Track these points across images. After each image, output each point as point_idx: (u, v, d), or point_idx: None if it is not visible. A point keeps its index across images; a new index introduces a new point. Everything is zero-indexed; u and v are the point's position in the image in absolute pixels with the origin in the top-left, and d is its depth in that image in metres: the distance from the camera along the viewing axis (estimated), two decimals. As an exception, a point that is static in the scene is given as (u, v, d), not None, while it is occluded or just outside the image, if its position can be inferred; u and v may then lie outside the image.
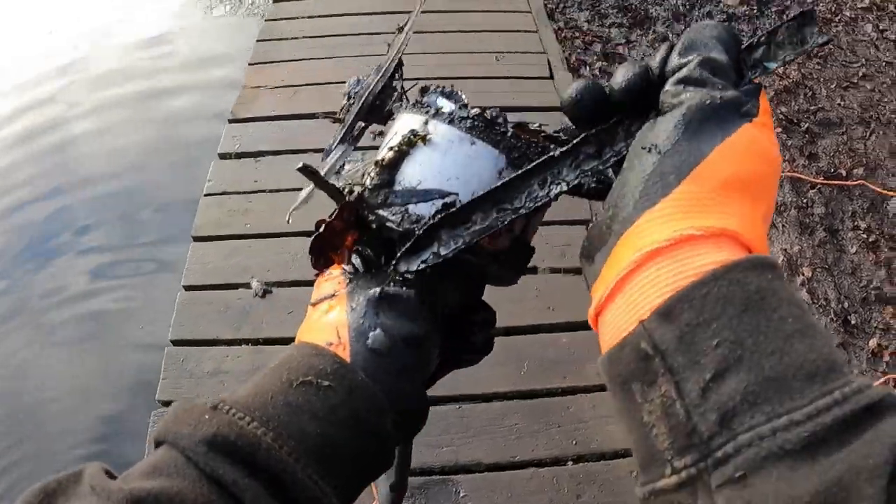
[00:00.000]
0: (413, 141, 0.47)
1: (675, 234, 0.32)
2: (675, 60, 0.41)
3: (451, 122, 0.47)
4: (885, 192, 3.02)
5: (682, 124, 0.37)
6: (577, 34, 3.66)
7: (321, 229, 0.46)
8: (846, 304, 2.66)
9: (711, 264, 0.31)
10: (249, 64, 3.32)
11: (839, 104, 3.38)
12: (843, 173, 3.06)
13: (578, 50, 3.57)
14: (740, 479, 0.27)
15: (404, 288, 0.44)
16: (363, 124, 0.54)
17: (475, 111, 0.48)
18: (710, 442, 0.28)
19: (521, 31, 3.55)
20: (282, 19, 3.62)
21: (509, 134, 0.47)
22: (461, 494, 1.84)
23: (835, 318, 2.61)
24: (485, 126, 0.47)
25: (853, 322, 2.63)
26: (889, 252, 2.84)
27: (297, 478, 0.36)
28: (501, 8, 3.70)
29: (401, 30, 0.57)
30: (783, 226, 2.86)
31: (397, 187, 0.46)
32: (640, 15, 3.78)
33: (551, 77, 3.27)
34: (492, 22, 3.60)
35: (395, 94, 0.55)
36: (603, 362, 0.35)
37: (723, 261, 0.31)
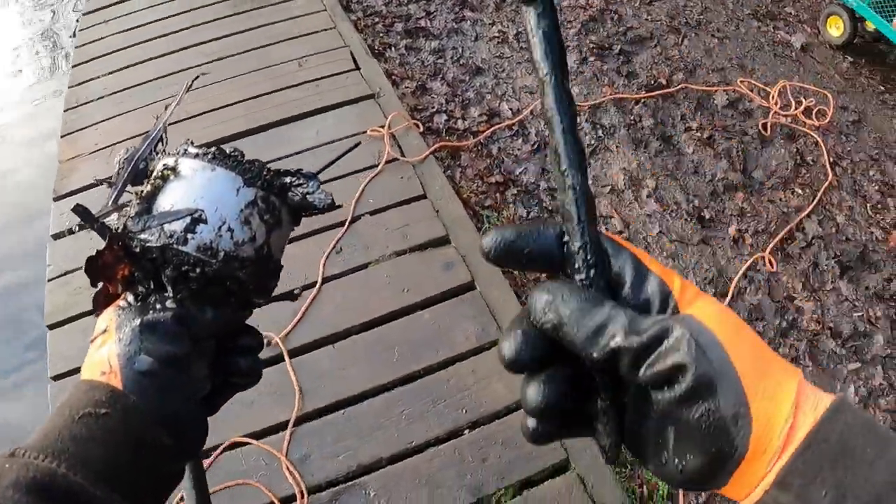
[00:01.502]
0: (166, 175, 0.57)
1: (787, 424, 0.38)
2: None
3: (196, 156, 0.58)
4: (707, 88, 3.06)
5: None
6: (376, 19, 3.62)
7: (93, 262, 0.53)
8: (696, 202, 2.64)
9: (805, 431, 0.37)
10: (61, 136, 3.15)
11: (646, 19, 3.44)
12: (664, 82, 3.09)
13: (381, 34, 3.52)
14: None
15: (162, 314, 0.53)
16: (133, 188, 0.62)
17: (214, 148, 0.59)
18: None
19: (320, 31, 3.52)
20: (83, 83, 3.46)
21: (243, 161, 0.59)
22: (372, 494, 1.84)
23: (689, 218, 2.59)
24: (223, 157, 0.58)
25: (708, 216, 2.61)
26: (725, 142, 2.86)
27: (92, 495, 0.44)
28: (295, 14, 3.65)
29: (167, 107, 0.67)
30: (616, 147, 2.84)
31: (154, 213, 0.56)
32: (435, -15, 3.79)
33: (357, 68, 3.23)
34: (289, 30, 3.54)
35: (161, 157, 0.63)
36: None
37: (811, 424, 0.37)
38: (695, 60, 3.23)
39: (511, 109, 3.08)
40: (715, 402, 0.38)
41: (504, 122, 3.00)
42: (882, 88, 3.42)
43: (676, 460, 0.40)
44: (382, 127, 2.79)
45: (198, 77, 0.88)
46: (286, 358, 2.08)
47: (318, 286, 2.27)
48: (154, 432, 0.49)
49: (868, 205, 2.81)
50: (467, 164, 2.86)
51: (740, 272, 2.45)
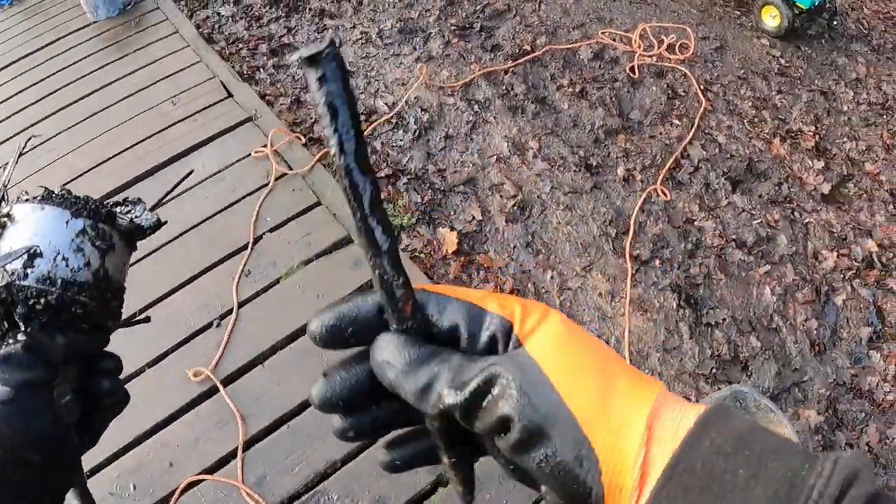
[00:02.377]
0: (2, 223, 0.62)
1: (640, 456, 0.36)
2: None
3: (26, 201, 0.63)
4: (571, 46, 3.15)
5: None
6: (240, 45, 3.61)
7: None
8: (581, 153, 2.70)
9: (664, 463, 0.35)
10: None
11: (501, -6, 3.53)
12: (529, 48, 3.16)
13: (247, 59, 3.52)
14: None
15: (13, 346, 0.57)
16: None
17: (43, 190, 0.64)
18: None
19: (187, 67, 3.51)
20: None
21: (70, 196, 0.64)
22: (335, 498, 1.86)
23: (577, 169, 2.64)
24: (50, 197, 0.63)
25: (595, 163, 2.67)
26: (598, 92, 2.94)
27: None
28: (159, 56, 3.63)
29: (4, 167, 0.73)
30: (495, 118, 2.88)
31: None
32: (291, 0, 3.80)
33: (230, 95, 3.24)
34: (157, 73, 3.53)
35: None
36: None
37: (671, 453, 0.35)
38: (554, 22, 3.32)
39: (387, 104, 3.10)
40: (551, 447, 0.37)
41: (382, 117, 3.02)
42: (738, 13, 3.60)
43: (546, 496, 0.40)
44: (265, 146, 2.79)
45: (30, 139, 0.96)
46: (220, 388, 2.07)
47: (235, 312, 2.27)
48: (20, 453, 0.54)
49: (745, 120, 2.93)
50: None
51: (637, 208, 2.51)
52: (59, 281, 0.61)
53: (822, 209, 2.70)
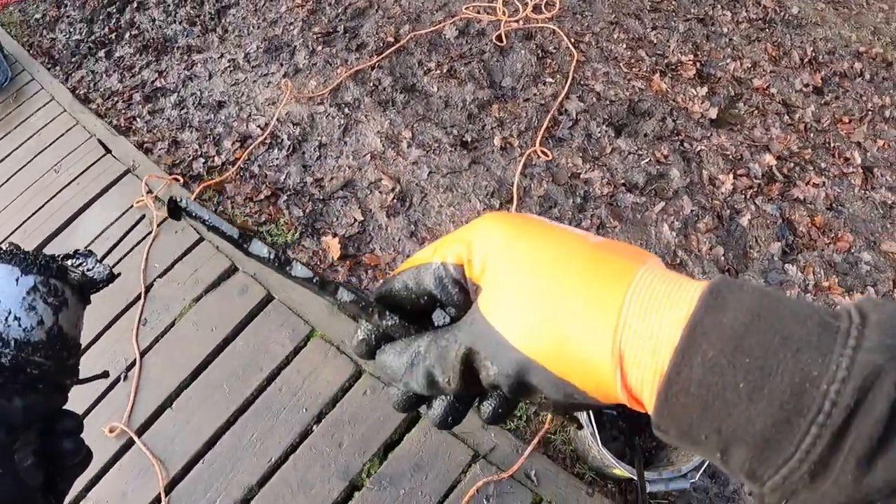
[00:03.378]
0: None
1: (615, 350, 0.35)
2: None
3: None
4: (434, 28, 3.11)
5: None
6: (115, 98, 3.55)
7: None
8: (455, 132, 2.64)
9: (651, 386, 0.34)
10: None
11: (362, -7, 3.49)
12: (393, 39, 3.11)
13: (123, 111, 3.45)
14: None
15: None
16: None
17: None
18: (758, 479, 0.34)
19: (65, 133, 3.48)
20: None
21: (18, 252, 0.63)
22: None
23: (453, 148, 2.58)
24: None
25: (470, 139, 2.62)
26: (466, 67, 2.89)
27: None
28: (38, 127, 3.60)
29: None
30: (366, 116, 2.82)
31: None
32: (158, 43, 3.74)
33: (108, 151, 3.22)
34: (38, 144, 3.50)
35: None
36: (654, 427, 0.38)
37: (658, 381, 0.34)
38: (417, 8, 3.28)
39: (259, 126, 3.03)
40: (543, 394, 0.38)
41: (256, 140, 2.96)
42: (603, -39, 3.58)
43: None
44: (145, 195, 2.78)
45: None
46: (135, 439, 2.12)
47: (138, 362, 2.32)
48: None
49: (621, 64, 2.89)
50: (235, 193, 2.80)
51: (517, 174, 2.46)
52: (11, 342, 0.60)
53: (713, 134, 2.66)
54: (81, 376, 0.70)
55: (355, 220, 2.52)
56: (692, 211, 2.42)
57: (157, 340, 2.36)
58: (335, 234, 2.48)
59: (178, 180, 2.86)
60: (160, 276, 2.56)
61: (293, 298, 2.27)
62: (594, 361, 0.35)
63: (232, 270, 2.46)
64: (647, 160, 2.52)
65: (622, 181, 2.46)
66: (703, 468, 1.68)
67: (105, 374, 0.75)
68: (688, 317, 0.33)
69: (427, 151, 2.59)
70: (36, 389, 0.61)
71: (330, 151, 2.77)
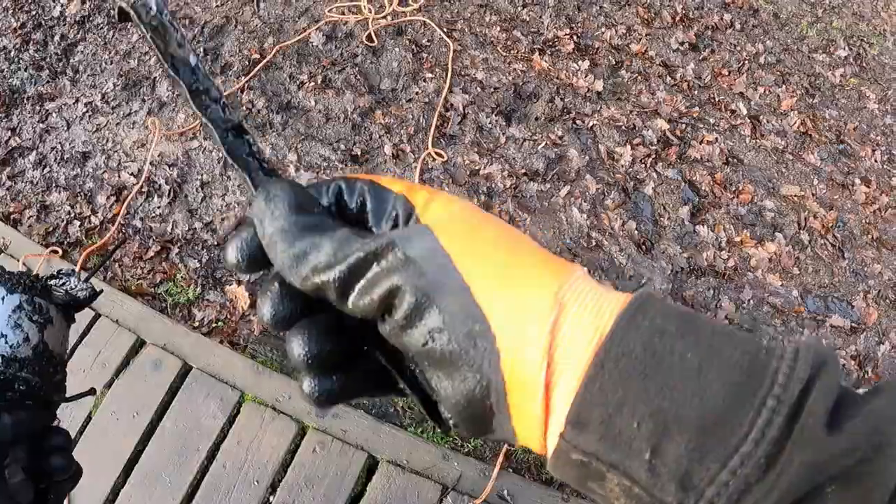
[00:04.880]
0: None
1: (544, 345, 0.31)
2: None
3: None
4: (300, 37, 2.93)
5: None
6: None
7: None
8: (343, 146, 2.50)
9: (585, 347, 0.30)
10: None
11: (216, 6, 3.25)
12: (258, 56, 2.91)
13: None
14: None
15: None
16: None
17: None
18: None
19: None
20: None
21: (3, 273, 0.65)
22: None
23: (343, 164, 2.44)
24: None
25: (359, 151, 2.48)
26: (340, 75, 2.73)
27: None
28: None
29: None
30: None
31: None
32: (5, 96, 3.38)
33: None
34: None
35: None
36: (552, 469, 0.33)
37: (598, 340, 0.30)
38: (277, 18, 3.09)
39: (132, 174, 2.78)
40: (441, 321, 0.32)
41: (132, 190, 2.70)
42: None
43: (442, 408, 0.35)
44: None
45: None
46: None
47: None
48: None
49: (498, 47, 2.81)
50: (121, 255, 2.54)
51: (416, 180, 2.33)
52: None
53: (602, 107, 2.62)
54: (68, 395, 0.71)
55: (253, 258, 2.33)
56: (598, 189, 2.38)
57: (76, 441, 2.10)
58: (239, 282, 2.29)
59: (56, 252, 2.57)
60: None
61: (213, 364, 2.08)
62: (529, 299, 0.31)
63: (139, 344, 2.23)
64: (542, 144, 2.46)
65: (523, 170, 2.38)
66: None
67: (92, 392, 0.77)
68: (635, 294, 0.31)
69: (317, 172, 2.43)
70: (24, 406, 0.61)
71: (214, 190, 2.57)
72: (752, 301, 2.31)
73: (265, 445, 1.94)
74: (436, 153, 2.40)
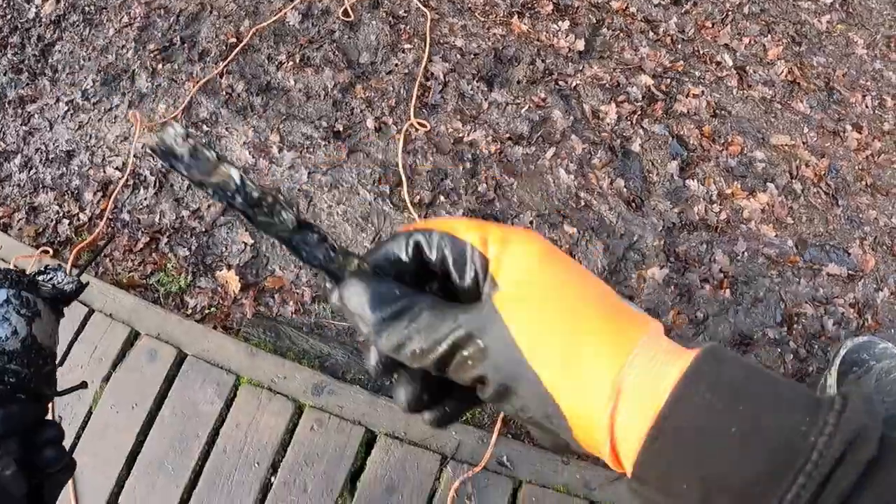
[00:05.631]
0: None
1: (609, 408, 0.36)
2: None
3: None
4: (276, 17, 2.88)
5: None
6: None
7: None
8: (325, 123, 2.47)
9: (641, 424, 0.35)
10: None
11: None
12: (235, 39, 2.87)
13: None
14: None
15: None
16: None
17: None
18: None
19: None
20: None
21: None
22: None
23: (327, 142, 2.41)
24: None
25: (342, 127, 2.45)
26: (318, 52, 2.69)
27: None
28: None
29: None
30: (227, 129, 2.60)
31: None
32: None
33: None
34: None
35: None
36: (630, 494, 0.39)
37: (653, 416, 0.34)
38: (254, 1, 3.03)
39: (117, 168, 2.75)
40: (521, 403, 0.38)
41: (118, 184, 2.67)
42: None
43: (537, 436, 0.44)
44: None
45: None
46: None
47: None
48: None
49: (476, 13, 2.76)
50: (112, 249, 2.52)
51: (400, 153, 2.30)
52: None
53: (585, 67, 2.57)
54: (60, 388, 0.69)
55: (245, 244, 2.31)
56: (584, 149, 2.34)
57: (79, 437, 2.11)
58: (229, 266, 2.27)
59: (47, 252, 2.55)
60: (59, 364, 2.26)
61: (207, 350, 2.06)
62: (590, 387, 0.36)
63: (133, 336, 2.22)
64: (526, 108, 2.41)
65: (507, 135, 2.34)
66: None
67: (84, 385, 0.76)
68: (690, 364, 0.35)
69: (301, 152, 2.39)
70: (15, 399, 0.60)
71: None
72: (746, 253, 2.27)
73: (263, 427, 1.93)
74: (419, 123, 2.36)
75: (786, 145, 2.53)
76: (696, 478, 0.33)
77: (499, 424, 1.92)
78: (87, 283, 0.73)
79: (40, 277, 0.70)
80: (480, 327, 0.37)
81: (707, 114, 2.50)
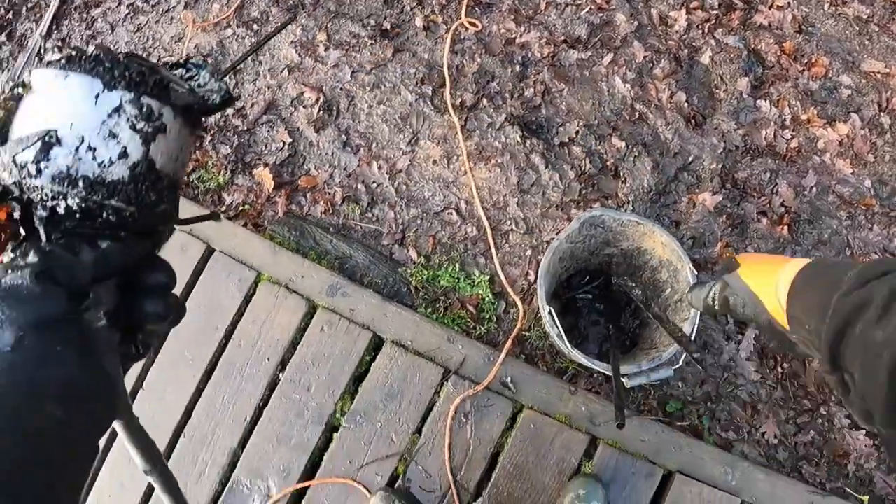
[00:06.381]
0: (17, 94, 0.47)
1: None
2: None
3: (48, 64, 0.47)
4: None
5: None
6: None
7: None
8: (373, 22, 2.36)
9: (785, 294, 0.81)
10: None
11: None
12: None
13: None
14: None
15: (19, 274, 0.43)
16: None
17: (70, 49, 0.47)
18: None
19: None
20: None
21: (104, 59, 0.47)
22: (248, 482, 1.83)
23: (374, 40, 2.29)
24: (79, 59, 0.47)
25: (390, 26, 2.32)
26: None
27: None
28: None
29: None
30: (276, 28, 2.51)
31: (10, 142, 0.45)
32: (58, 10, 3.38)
33: None
34: None
35: None
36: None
37: (788, 290, 0.79)
38: None
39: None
40: (744, 305, 0.91)
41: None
42: None
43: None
44: None
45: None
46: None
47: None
48: (34, 408, 0.41)
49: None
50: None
51: (446, 53, 2.16)
52: (80, 180, 0.45)
53: (658, -30, 2.34)
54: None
55: (283, 143, 2.24)
56: (645, 57, 2.13)
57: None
58: (266, 164, 2.21)
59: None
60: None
61: (233, 246, 2.03)
62: (769, 289, 0.81)
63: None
64: (587, 10, 2.22)
65: (562, 38, 2.16)
66: (685, 353, 1.45)
67: (216, 216, 0.60)
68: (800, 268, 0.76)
69: (346, 51, 2.29)
70: (116, 237, 0.48)
71: (246, 76, 2.47)
72: (815, 188, 2.04)
73: (277, 325, 1.90)
74: (469, 23, 2.21)
75: (878, 73, 2.25)
76: (811, 308, 0.67)
77: (509, 343, 1.81)
78: (238, 96, 0.54)
79: (176, 73, 0.52)
80: (731, 277, 0.91)
81: (791, 28, 2.24)
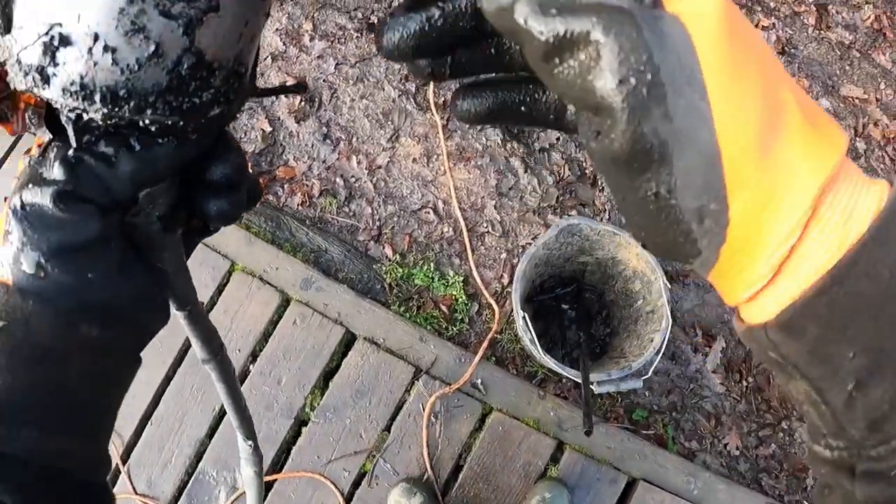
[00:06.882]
0: None
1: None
2: None
3: None
4: None
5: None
6: None
7: None
8: (360, 14, 2.34)
9: (826, 258, 0.26)
10: None
11: None
12: None
13: None
14: (893, 477, 0.26)
15: (39, 191, 0.35)
16: None
17: None
18: (861, 443, 0.27)
19: None
20: None
21: None
22: (214, 472, 1.82)
23: (359, 34, 2.28)
24: None
25: (376, 19, 2.29)
26: None
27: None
28: None
29: None
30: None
31: (15, 30, 0.34)
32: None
33: None
34: None
35: None
36: (738, 332, 0.31)
37: (848, 246, 0.25)
38: None
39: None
40: (666, 180, 0.25)
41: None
42: None
43: (633, 227, 0.29)
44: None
45: None
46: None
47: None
48: (71, 331, 0.36)
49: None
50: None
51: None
52: (97, 93, 0.33)
53: None
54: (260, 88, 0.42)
55: (263, 132, 2.22)
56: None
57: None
58: (245, 153, 2.19)
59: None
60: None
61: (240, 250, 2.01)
62: (782, 190, 0.25)
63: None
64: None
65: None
66: (655, 363, 1.46)
67: (304, 88, 0.46)
68: (893, 195, 0.25)
69: (332, 42, 2.27)
70: (155, 143, 0.37)
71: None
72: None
73: (249, 315, 1.88)
74: None
75: (857, 98, 2.29)
76: (866, 347, 0.25)
77: (485, 345, 1.81)
78: None
79: None
80: (650, 18, 0.23)
81: (774, 49, 2.27)
